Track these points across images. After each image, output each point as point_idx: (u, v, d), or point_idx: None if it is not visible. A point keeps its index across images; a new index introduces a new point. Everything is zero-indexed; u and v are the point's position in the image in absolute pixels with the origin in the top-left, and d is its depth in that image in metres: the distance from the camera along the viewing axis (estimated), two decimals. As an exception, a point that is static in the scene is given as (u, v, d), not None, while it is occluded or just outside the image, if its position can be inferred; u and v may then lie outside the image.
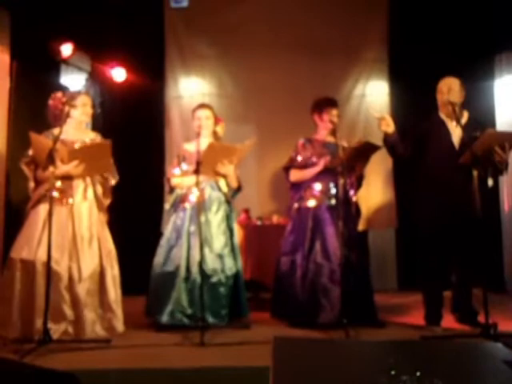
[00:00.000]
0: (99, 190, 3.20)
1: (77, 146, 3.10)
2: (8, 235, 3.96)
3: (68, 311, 2.90)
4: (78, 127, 3.22)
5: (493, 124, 4.46)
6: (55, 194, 2.99)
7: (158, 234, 3.61)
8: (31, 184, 3.08)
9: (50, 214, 2.77)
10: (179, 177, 3.47)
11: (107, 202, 3.25)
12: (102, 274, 3.03)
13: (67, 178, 3.04)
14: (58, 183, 3.02)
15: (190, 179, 3.31)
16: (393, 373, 1.05)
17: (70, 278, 2.92)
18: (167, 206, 3.55)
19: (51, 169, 2.83)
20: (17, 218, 3.44)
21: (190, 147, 3.49)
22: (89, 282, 2.97)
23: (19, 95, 4.15)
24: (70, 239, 2.98)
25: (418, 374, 1.04)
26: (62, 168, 2.95)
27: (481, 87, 4.76)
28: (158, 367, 2.43)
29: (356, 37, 5.04)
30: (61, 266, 2.91)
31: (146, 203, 4.59)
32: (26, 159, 3.06)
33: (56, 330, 2.82)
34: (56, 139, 2.84)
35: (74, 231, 3.00)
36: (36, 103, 4.21)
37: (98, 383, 2.24)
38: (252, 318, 3.40)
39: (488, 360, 1.20)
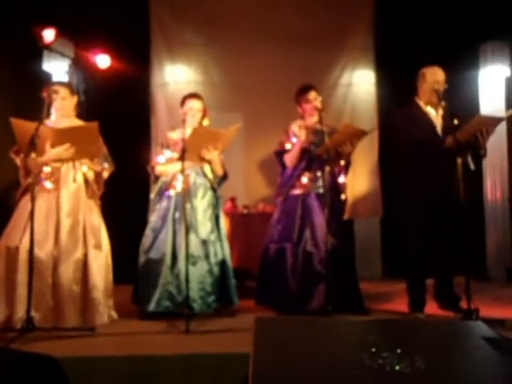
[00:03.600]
0: (91, 176, 3.18)
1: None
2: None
3: (49, 299, 2.88)
4: (64, 117, 3.20)
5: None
6: (44, 182, 3.00)
7: (145, 223, 3.59)
8: (21, 172, 3.05)
9: (32, 201, 2.74)
10: (164, 165, 3.44)
11: (99, 191, 3.23)
12: (85, 263, 2.98)
13: (57, 163, 3.02)
14: (48, 169, 3.02)
15: (175, 166, 3.29)
16: (373, 350, 1.06)
17: (53, 266, 2.91)
18: (152, 194, 3.54)
19: (33, 155, 2.79)
20: (2, 205, 3.40)
21: (175, 135, 3.46)
22: (71, 270, 2.94)
23: (0, 81, 4.07)
24: (55, 226, 2.97)
25: (399, 350, 1.05)
26: (51, 152, 2.92)
27: (465, 77, 4.80)
28: (142, 354, 2.42)
29: (342, 26, 5.03)
30: (44, 253, 2.90)
31: (132, 192, 4.54)
32: (15, 147, 3.03)
33: (38, 317, 2.79)
34: (40, 123, 2.79)
35: (58, 218, 2.99)
36: (17, 90, 4.15)
37: (83, 370, 2.22)
38: (238, 306, 3.40)
39: (468, 337, 1.21)
